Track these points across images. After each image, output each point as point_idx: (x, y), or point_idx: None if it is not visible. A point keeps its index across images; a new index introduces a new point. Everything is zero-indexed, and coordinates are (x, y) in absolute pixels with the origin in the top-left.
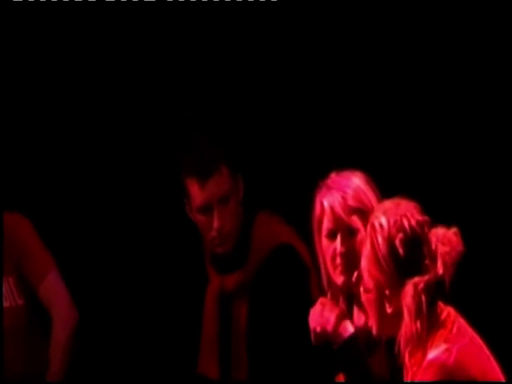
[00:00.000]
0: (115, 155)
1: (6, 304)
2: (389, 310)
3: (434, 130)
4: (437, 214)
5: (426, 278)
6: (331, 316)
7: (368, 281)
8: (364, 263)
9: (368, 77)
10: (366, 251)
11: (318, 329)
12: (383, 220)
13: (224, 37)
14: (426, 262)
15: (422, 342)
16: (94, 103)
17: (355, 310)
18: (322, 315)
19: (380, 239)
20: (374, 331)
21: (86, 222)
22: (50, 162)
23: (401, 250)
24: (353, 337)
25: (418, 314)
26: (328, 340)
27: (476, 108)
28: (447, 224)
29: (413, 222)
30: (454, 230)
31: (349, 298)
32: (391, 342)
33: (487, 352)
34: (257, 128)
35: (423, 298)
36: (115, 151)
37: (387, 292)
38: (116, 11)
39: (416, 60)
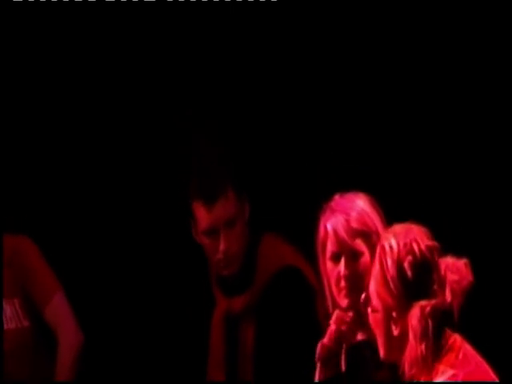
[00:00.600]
0: (123, 177)
1: (11, 326)
2: (395, 332)
3: (448, 156)
4: (448, 244)
5: (434, 302)
6: (346, 317)
7: (376, 302)
8: (372, 284)
9: (377, 90)
10: (374, 272)
11: (334, 326)
12: (393, 242)
13: (224, 37)
14: (435, 287)
15: (426, 366)
16: (95, 95)
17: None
18: (337, 315)
19: (389, 261)
20: (381, 353)
21: (93, 244)
22: (54, 185)
23: (409, 273)
24: (363, 343)
25: (423, 336)
26: (342, 338)
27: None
28: (458, 254)
29: (422, 247)
30: (464, 260)
31: (353, 320)
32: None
33: (494, 378)
34: (263, 150)
35: (429, 321)
36: (123, 173)
37: (394, 314)
38: (116, 11)
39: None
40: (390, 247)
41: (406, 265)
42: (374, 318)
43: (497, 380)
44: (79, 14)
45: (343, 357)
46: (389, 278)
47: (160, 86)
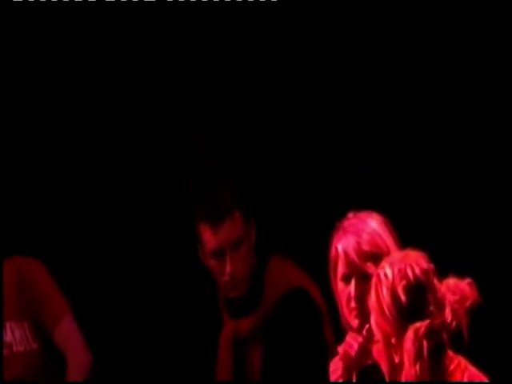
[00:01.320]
0: (128, 197)
1: (20, 348)
2: (397, 360)
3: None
4: (455, 266)
5: (427, 322)
6: (354, 343)
7: (376, 332)
8: (372, 315)
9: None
10: (371, 303)
11: (341, 351)
12: (388, 270)
13: (224, 37)
14: (431, 308)
15: None
16: (96, 95)
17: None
18: (345, 341)
19: (384, 289)
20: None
21: (100, 266)
22: (59, 203)
23: (403, 297)
24: (373, 365)
25: (417, 358)
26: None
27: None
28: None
29: (417, 271)
30: (467, 280)
31: (363, 345)
32: None
33: None
34: (268, 172)
35: (424, 342)
36: (127, 192)
37: (393, 341)
38: (116, 11)
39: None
40: (385, 275)
41: (399, 290)
42: (377, 348)
43: None
44: (79, 14)
45: (354, 380)
46: (384, 305)
47: (160, 87)
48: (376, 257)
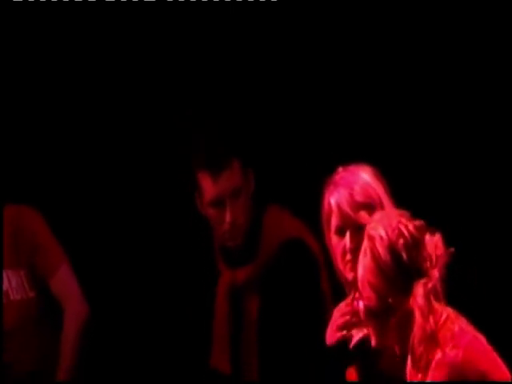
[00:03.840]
0: (123, 149)
1: (17, 297)
2: (392, 320)
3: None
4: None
5: (432, 278)
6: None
7: (369, 293)
8: (364, 275)
9: (369, 75)
10: (365, 263)
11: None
12: (380, 230)
13: (224, 37)
14: (427, 264)
15: (433, 341)
16: (95, 95)
17: None
18: (347, 305)
19: (380, 248)
20: (374, 341)
21: (96, 215)
22: (56, 155)
23: (404, 255)
24: (366, 338)
25: (429, 311)
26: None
27: (474, 109)
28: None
29: (410, 227)
30: (438, 233)
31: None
32: None
33: (490, 347)
34: (265, 122)
35: (431, 297)
36: (123, 145)
37: (390, 300)
38: (116, 11)
39: (418, 58)
40: (379, 235)
41: (399, 248)
42: (368, 310)
43: (492, 347)
44: (79, 14)
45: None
46: (383, 265)
47: (164, 81)
48: (369, 207)
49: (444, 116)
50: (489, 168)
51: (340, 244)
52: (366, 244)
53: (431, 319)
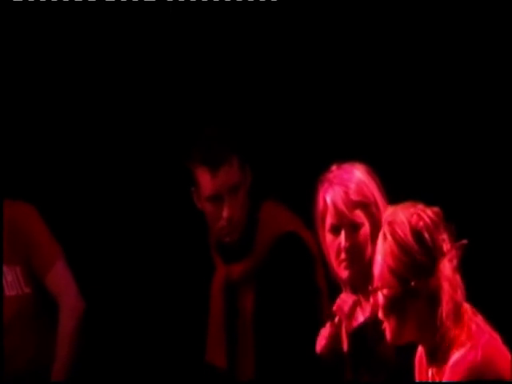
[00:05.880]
0: (119, 143)
1: (12, 292)
2: (414, 307)
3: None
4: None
5: (456, 256)
6: (349, 299)
7: (390, 279)
8: (383, 262)
9: (364, 74)
10: (385, 248)
11: (335, 308)
12: (399, 215)
13: (224, 37)
14: (448, 246)
15: (458, 317)
16: (92, 89)
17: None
18: (340, 298)
19: (401, 231)
20: (390, 338)
21: (92, 210)
22: (52, 150)
23: (426, 235)
24: (365, 324)
25: (457, 285)
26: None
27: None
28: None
29: (429, 212)
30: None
31: (354, 290)
32: None
33: (504, 347)
34: (261, 118)
35: (457, 275)
36: (119, 139)
37: (413, 283)
38: (116, 11)
39: (410, 54)
40: (400, 220)
41: (420, 228)
42: (388, 300)
43: (506, 348)
44: (79, 14)
45: (345, 339)
46: (405, 246)
47: (164, 79)
48: (364, 206)
49: (437, 113)
50: (482, 165)
51: (334, 242)
52: (384, 229)
53: (459, 291)
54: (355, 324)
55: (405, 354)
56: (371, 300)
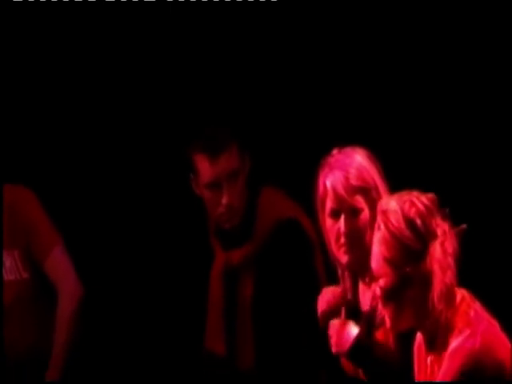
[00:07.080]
0: (118, 131)
1: (10, 277)
2: (410, 294)
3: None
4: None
5: (447, 238)
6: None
7: (386, 269)
8: (379, 252)
9: (364, 60)
10: (379, 237)
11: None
12: (393, 203)
13: (224, 36)
14: (441, 230)
15: (450, 300)
16: (91, 84)
17: (360, 287)
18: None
19: (394, 219)
20: (390, 326)
21: (91, 197)
22: (53, 136)
23: (418, 221)
24: (358, 338)
25: (448, 266)
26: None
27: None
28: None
29: (423, 198)
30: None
31: (354, 275)
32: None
33: (503, 333)
34: (261, 105)
35: (448, 255)
36: (118, 127)
37: (408, 269)
38: (116, 11)
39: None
40: (394, 209)
41: (412, 215)
42: (386, 290)
43: (504, 334)
44: (79, 14)
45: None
46: (397, 233)
47: (164, 76)
48: (364, 191)
49: (438, 99)
50: (482, 156)
51: (334, 227)
52: (379, 219)
53: (449, 272)
54: (350, 340)
55: (405, 342)
56: (372, 286)
